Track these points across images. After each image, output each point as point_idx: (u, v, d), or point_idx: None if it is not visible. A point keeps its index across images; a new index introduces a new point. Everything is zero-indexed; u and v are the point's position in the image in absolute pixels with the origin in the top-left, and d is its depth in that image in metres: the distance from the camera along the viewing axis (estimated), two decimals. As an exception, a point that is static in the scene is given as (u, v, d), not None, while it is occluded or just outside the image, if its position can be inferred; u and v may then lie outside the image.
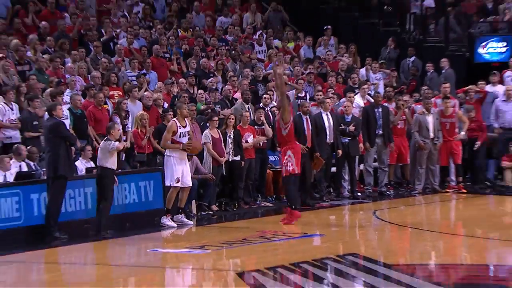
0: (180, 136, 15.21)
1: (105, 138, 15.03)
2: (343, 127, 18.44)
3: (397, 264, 12.27)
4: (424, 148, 19.15)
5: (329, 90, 20.07)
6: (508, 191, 19.18)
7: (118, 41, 20.99)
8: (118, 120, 16.61)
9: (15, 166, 15.17)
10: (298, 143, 15.62)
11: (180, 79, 19.59)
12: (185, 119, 15.49)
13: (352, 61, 22.68)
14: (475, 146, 19.48)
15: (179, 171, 15.26)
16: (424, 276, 11.15)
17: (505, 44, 22.41)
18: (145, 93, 18.14)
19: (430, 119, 19.20)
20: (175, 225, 15.47)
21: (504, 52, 22.16)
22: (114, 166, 14.89)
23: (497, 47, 22.49)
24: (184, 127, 15.33)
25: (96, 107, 16.98)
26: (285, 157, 15.20)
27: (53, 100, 16.19)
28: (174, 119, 15.62)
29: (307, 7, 25.38)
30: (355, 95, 19.66)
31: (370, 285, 10.37)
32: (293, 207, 15.35)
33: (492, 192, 19.50)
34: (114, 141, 14.82)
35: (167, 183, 15.34)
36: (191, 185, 15.54)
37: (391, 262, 12.24)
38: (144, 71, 19.78)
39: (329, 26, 23.50)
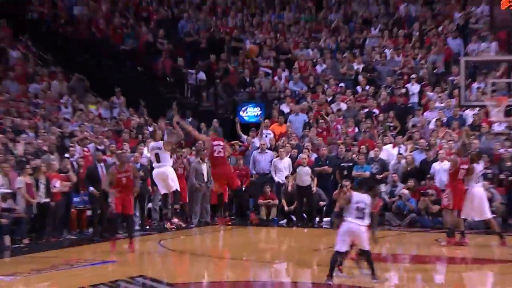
0: None
1: None
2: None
3: (177, 283, 12.20)
4: (200, 189, 19.20)
5: (124, 144, 19.69)
6: (264, 223, 19.51)
7: None
8: None
9: None
10: None
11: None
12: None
13: (142, 120, 22.42)
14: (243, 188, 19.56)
15: None
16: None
17: (259, 108, 22.80)
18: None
19: (204, 167, 19.25)
20: None
21: (258, 115, 22.47)
22: None
23: (253, 111, 22.84)
24: None
25: None
26: None
27: None
28: None
29: (104, 75, 24.77)
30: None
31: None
32: None
33: (252, 224, 19.74)
34: None
35: None
36: None
37: (173, 282, 12.17)
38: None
39: (119, 89, 23.21)
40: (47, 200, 16.78)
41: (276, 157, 19.93)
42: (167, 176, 14.99)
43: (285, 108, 22.35)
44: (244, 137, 21.07)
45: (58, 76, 23.29)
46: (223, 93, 24.08)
